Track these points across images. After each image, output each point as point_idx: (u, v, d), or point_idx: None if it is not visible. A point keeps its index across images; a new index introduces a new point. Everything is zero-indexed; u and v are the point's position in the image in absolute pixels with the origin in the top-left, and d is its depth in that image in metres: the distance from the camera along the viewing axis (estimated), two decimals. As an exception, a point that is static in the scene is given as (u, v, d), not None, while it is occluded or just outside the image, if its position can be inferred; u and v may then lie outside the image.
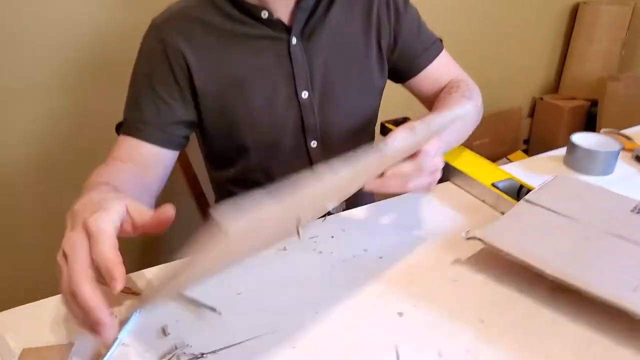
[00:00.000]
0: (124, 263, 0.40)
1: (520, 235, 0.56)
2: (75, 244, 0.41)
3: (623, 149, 0.86)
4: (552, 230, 0.58)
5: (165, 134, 0.71)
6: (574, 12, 2.10)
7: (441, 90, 0.84)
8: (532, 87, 2.22)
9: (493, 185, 0.71)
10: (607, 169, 0.80)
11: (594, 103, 2.04)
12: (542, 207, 0.62)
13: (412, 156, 0.55)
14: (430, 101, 0.85)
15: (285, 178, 0.37)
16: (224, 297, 0.53)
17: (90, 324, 0.39)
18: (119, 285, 0.39)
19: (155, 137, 0.70)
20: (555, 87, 2.25)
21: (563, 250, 0.53)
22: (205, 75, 0.71)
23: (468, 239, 0.55)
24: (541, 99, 2.15)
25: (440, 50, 0.85)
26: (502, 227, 0.58)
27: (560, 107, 2.05)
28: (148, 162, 0.70)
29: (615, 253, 0.54)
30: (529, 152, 2.17)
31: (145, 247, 1.39)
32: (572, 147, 0.81)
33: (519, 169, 0.80)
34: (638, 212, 0.62)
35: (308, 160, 0.81)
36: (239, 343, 0.47)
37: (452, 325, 0.49)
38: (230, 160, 0.81)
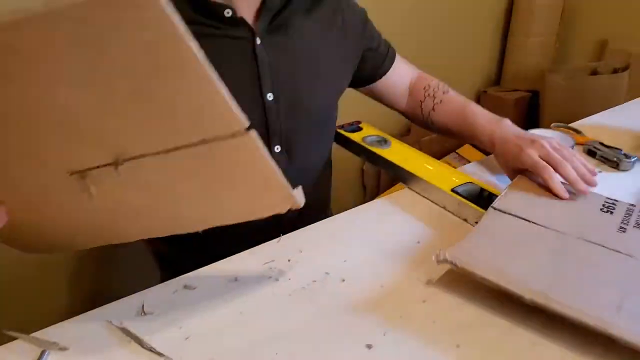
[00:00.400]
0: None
1: (494, 253, 0.52)
2: None
3: (576, 144, 0.87)
4: (526, 243, 0.54)
5: None
6: (510, 6, 2.15)
7: (407, 89, 0.89)
8: (475, 80, 2.26)
9: (453, 190, 0.68)
10: (563, 165, 0.80)
11: (535, 94, 2.10)
12: (513, 215, 0.59)
13: None
14: (398, 102, 0.89)
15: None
16: (169, 343, 0.46)
17: None
18: None
19: None
20: (497, 80, 2.29)
21: (539, 266, 0.50)
22: None
23: (439, 262, 0.51)
24: (485, 91, 2.19)
25: (395, 54, 0.87)
26: (473, 244, 0.54)
27: (504, 99, 2.09)
28: None
29: (593, 264, 0.51)
30: (476, 145, 2.21)
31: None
32: (527, 145, 0.80)
33: (477, 169, 0.78)
34: (607, 211, 0.60)
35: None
36: (189, 400, 0.40)
37: (426, 354, 0.44)
38: None
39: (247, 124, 0.35)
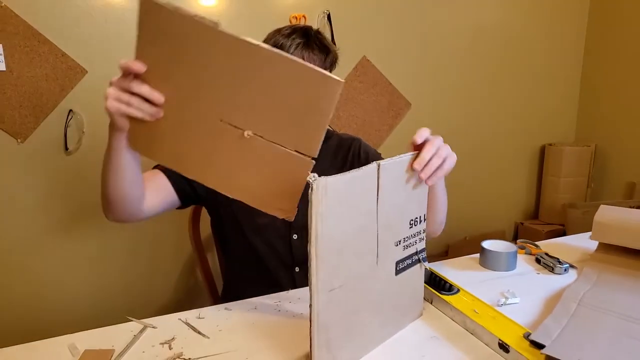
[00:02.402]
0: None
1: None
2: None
3: (529, 252, 1.14)
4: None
5: (181, 178, 1.00)
6: (543, 152, 2.47)
7: None
8: (514, 214, 2.52)
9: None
10: (509, 266, 1.06)
11: (567, 226, 2.31)
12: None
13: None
14: None
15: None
16: (211, 331, 0.80)
17: None
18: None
19: (173, 175, 1.00)
20: (535, 213, 2.53)
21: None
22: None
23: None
24: (522, 223, 2.43)
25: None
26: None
27: (537, 231, 2.31)
28: (158, 185, 0.98)
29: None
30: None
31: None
32: (482, 250, 1.09)
33: (443, 266, 1.08)
34: None
35: (289, 248, 1.08)
36: None
37: None
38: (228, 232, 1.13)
39: (315, 156, 0.62)
